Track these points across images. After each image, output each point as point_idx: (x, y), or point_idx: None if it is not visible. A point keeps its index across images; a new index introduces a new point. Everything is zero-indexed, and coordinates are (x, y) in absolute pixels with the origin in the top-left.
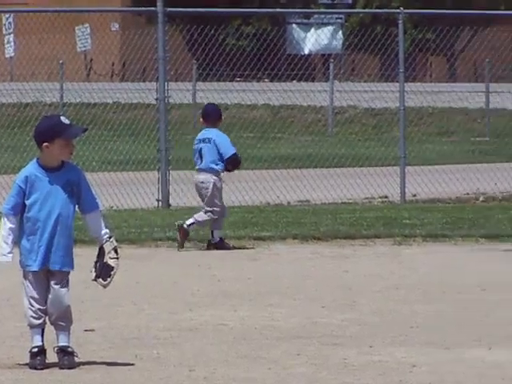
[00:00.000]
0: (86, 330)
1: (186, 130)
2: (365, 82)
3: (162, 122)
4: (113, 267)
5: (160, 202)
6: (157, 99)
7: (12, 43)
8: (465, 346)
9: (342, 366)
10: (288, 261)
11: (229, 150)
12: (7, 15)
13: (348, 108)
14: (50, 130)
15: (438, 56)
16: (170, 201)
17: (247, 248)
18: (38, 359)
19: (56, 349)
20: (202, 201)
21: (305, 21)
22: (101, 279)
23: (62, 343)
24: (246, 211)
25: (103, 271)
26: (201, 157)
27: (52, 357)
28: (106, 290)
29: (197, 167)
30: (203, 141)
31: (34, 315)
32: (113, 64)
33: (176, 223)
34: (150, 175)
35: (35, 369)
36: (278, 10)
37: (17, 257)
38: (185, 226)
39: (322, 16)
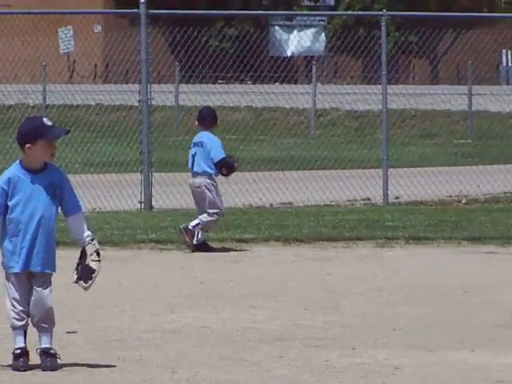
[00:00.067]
0: (68, 332)
1: (168, 132)
2: (347, 84)
3: (145, 124)
4: (94, 270)
5: (142, 204)
6: (139, 101)
7: None
8: (447, 348)
9: (325, 368)
10: (271, 263)
11: (218, 155)
12: None
13: (330, 110)
14: (32, 132)
15: (420, 58)
16: (153, 203)
17: (230, 250)
18: (20, 361)
19: (39, 351)
20: (197, 204)
21: (287, 23)
22: (82, 281)
23: (45, 345)
24: (228, 213)
25: (85, 273)
26: (195, 160)
27: (35, 358)
28: (87, 292)
29: (192, 171)
30: (197, 144)
31: (16, 317)
32: (95, 66)
33: (180, 226)
34: (132, 177)
35: (18, 370)
36: (260, 12)
37: None
38: (190, 227)
39: (305, 18)
